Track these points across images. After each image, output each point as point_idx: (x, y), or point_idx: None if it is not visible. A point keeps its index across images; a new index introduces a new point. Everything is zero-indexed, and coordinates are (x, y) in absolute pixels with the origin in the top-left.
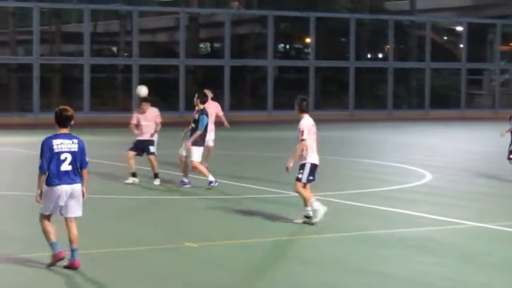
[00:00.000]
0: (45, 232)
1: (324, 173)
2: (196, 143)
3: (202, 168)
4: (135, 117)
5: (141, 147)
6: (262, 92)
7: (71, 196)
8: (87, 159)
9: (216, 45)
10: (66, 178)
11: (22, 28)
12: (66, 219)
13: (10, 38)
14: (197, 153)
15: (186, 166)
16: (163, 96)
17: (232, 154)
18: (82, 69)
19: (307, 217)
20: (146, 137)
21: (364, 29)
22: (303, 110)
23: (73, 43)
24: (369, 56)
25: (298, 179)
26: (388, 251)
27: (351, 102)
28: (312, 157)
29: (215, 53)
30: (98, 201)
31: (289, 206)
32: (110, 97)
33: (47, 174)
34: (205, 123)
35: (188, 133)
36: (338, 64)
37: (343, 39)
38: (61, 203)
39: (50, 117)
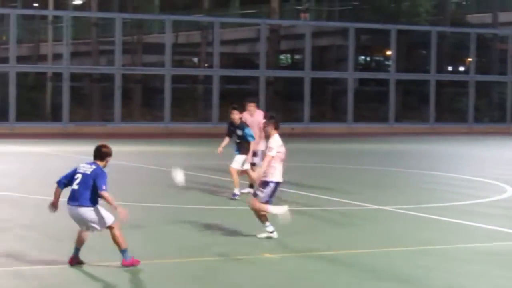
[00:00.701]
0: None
1: (405, 187)
2: (246, 152)
3: (236, 177)
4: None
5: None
6: (342, 105)
7: None
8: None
9: (296, 56)
10: None
11: (105, 38)
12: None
13: (93, 49)
14: (239, 160)
15: (251, 178)
16: (243, 108)
17: (312, 166)
18: (163, 80)
19: (270, 232)
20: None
21: (445, 41)
22: (276, 128)
23: (154, 54)
24: (450, 69)
25: (256, 196)
26: (469, 266)
27: (432, 115)
28: (277, 176)
29: (296, 65)
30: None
31: (370, 220)
32: (191, 108)
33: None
34: (252, 132)
35: (235, 147)
36: (419, 76)
37: (424, 52)
38: None
39: (131, 127)
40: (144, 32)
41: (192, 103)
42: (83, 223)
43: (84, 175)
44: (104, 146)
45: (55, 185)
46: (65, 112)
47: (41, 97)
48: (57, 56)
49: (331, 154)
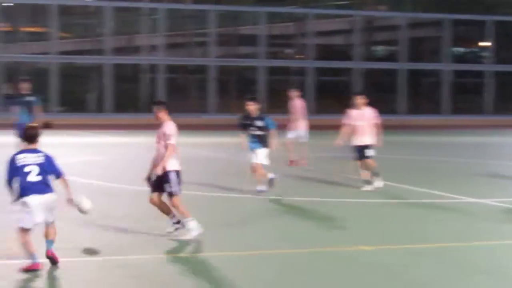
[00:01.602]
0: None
1: (504, 180)
2: (268, 145)
3: (261, 172)
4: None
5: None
6: (438, 97)
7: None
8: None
9: (391, 48)
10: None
11: (200, 30)
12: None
13: (188, 40)
14: (264, 155)
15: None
16: (338, 99)
17: (407, 158)
18: (257, 71)
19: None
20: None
21: None
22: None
23: (248, 45)
24: None
25: (173, 194)
26: None
27: None
28: (175, 164)
29: (390, 57)
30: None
31: (466, 213)
32: (285, 100)
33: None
34: (273, 123)
35: (253, 140)
36: None
37: None
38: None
39: (226, 118)
40: (239, 24)
41: (285, 95)
42: (50, 212)
43: (39, 165)
44: (34, 127)
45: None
46: None
47: (137, 88)
48: (153, 48)
49: (428, 147)
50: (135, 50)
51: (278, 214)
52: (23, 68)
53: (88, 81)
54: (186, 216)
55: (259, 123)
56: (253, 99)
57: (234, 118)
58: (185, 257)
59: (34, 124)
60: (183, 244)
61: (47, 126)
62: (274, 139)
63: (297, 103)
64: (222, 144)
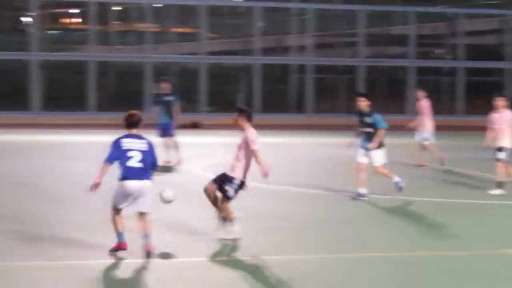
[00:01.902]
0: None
1: None
2: (381, 145)
3: (385, 170)
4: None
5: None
6: None
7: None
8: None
9: None
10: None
11: (349, 30)
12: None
13: (337, 41)
14: (380, 156)
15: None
16: (489, 100)
17: None
18: (407, 72)
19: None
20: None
21: None
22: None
23: (398, 46)
24: None
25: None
26: None
27: None
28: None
29: None
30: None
31: None
32: (437, 100)
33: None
34: (383, 120)
35: (362, 138)
36: None
37: None
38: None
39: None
40: (388, 24)
41: (437, 96)
42: (144, 199)
43: (142, 152)
44: (134, 114)
45: (104, 164)
46: (309, 103)
47: (285, 89)
48: (301, 48)
49: None
50: (284, 50)
51: (392, 214)
52: (172, 69)
53: (236, 81)
54: (232, 219)
55: (368, 119)
56: (364, 94)
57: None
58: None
59: (135, 111)
60: (330, 243)
61: (196, 126)
62: (379, 138)
63: (424, 104)
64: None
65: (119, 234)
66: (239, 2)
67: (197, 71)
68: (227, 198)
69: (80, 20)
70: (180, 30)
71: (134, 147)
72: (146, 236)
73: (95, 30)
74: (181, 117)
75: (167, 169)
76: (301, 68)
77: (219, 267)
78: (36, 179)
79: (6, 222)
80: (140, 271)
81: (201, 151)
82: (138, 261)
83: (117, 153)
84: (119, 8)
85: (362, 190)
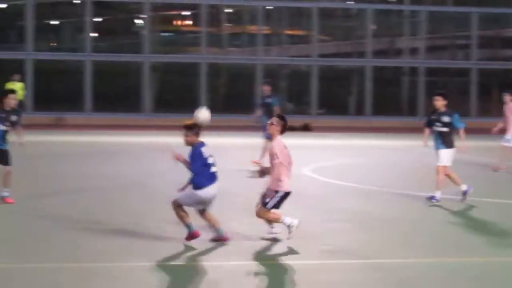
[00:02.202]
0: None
1: None
2: (452, 145)
3: (452, 174)
4: None
5: None
6: None
7: None
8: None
9: None
10: None
11: (461, 32)
12: None
13: (449, 43)
14: (446, 156)
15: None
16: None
17: None
18: None
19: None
20: None
21: None
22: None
23: (511, 48)
24: None
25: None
26: None
27: None
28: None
29: None
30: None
31: None
32: None
33: None
34: (459, 120)
35: (436, 138)
36: None
37: None
38: None
39: (486, 122)
40: (501, 26)
41: None
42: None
43: (213, 156)
44: (193, 123)
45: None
46: (421, 106)
47: (397, 91)
48: (413, 51)
49: None
50: (396, 52)
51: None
52: (283, 71)
53: (347, 83)
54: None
55: (445, 118)
56: (441, 93)
57: (494, 121)
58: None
59: (192, 121)
60: (434, 247)
61: (306, 128)
62: (463, 140)
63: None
64: (482, 148)
65: (189, 225)
66: (351, 4)
67: (308, 74)
68: (266, 208)
69: (191, 22)
70: (291, 32)
71: (210, 153)
72: (218, 229)
73: (206, 32)
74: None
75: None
76: (413, 71)
77: (327, 270)
78: (146, 180)
79: (118, 221)
80: (257, 273)
81: (311, 154)
82: (255, 263)
83: (203, 161)
84: (231, 10)
85: (437, 194)
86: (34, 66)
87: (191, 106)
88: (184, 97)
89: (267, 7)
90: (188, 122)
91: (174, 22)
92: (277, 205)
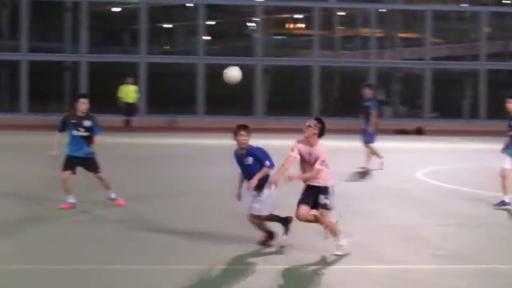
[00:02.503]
0: None
1: None
2: None
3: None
4: None
5: None
6: None
7: None
8: None
9: None
10: None
11: None
12: None
13: None
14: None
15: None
16: None
17: None
18: None
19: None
20: None
21: None
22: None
23: None
24: None
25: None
26: None
27: None
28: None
29: None
30: None
31: None
32: None
33: None
34: None
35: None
36: None
37: None
38: None
39: None
40: None
41: None
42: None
43: None
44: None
45: None
46: None
47: None
48: None
49: None
50: (511, 55)
51: None
52: (396, 74)
53: (461, 87)
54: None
55: None
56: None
57: None
58: None
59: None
60: None
61: (420, 132)
62: None
63: None
64: None
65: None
66: (465, 7)
67: (421, 77)
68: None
69: (304, 25)
70: (404, 35)
71: None
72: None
73: (319, 35)
74: (385, 122)
75: (367, 173)
76: None
77: (444, 275)
78: None
79: (223, 226)
80: (370, 277)
81: (424, 157)
82: (367, 266)
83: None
84: (344, 13)
85: (507, 199)
86: (148, 69)
87: (303, 110)
88: (296, 100)
89: (380, 10)
90: (245, 123)
91: (287, 25)
92: (332, 202)
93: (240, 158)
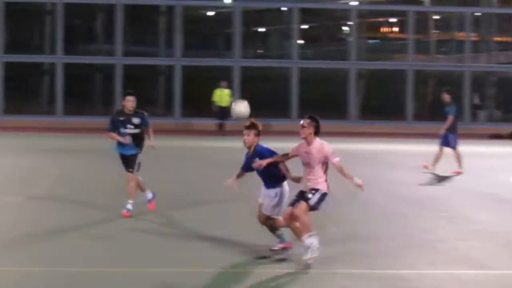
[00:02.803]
0: None
1: None
2: None
3: None
4: None
5: None
6: None
7: None
8: None
9: None
10: None
11: None
12: None
13: None
14: None
15: None
16: None
17: None
18: None
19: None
20: None
21: None
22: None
23: None
24: None
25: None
26: None
27: None
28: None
29: None
30: None
31: None
32: None
33: None
34: None
35: None
36: None
37: None
38: None
39: None
40: None
41: None
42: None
43: None
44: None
45: None
46: None
47: None
48: None
49: None
50: None
51: None
52: (491, 78)
53: None
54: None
55: None
56: None
57: None
58: None
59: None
60: None
61: None
62: None
63: None
64: None
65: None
66: None
67: None
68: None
69: (398, 29)
70: (500, 39)
71: None
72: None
73: (413, 39)
74: (480, 127)
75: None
76: None
77: None
78: (349, 187)
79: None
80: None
81: None
82: (461, 272)
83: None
84: (438, 16)
85: None
86: (241, 73)
87: (397, 114)
88: (390, 105)
89: (475, 14)
90: (250, 122)
91: (380, 29)
92: (318, 202)
93: (248, 158)
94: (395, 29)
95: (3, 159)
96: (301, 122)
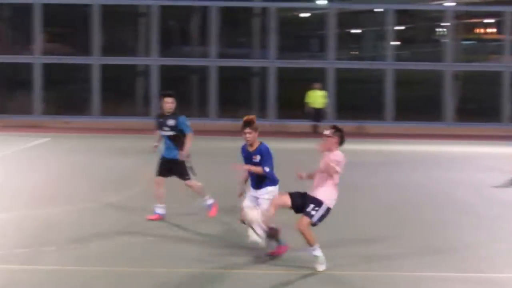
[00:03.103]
0: None
1: None
2: None
3: None
4: None
5: None
6: None
7: None
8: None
9: None
10: None
11: None
12: None
13: None
14: None
15: None
16: None
17: None
18: None
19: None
20: None
21: None
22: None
23: None
24: None
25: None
26: None
27: None
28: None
29: None
30: None
31: None
32: None
33: None
34: None
35: None
36: None
37: None
38: None
39: None
40: None
41: None
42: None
43: None
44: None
45: None
46: None
47: None
48: None
49: None
50: None
51: None
52: None
53: None
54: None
55: None
56: None
57: None
58: None
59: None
60: None
61: None
62: None
63: None
64: None
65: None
66: None
67: None
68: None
69: (495, 30)
70: None
71: None
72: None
73: (510, 40)
74: None
75: None
76: None
77: None
78: (446, 189)
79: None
80: None
81: None
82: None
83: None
84: None
85: None
86: (336, 75)
87: (493, 116)
88: (486, 107)
89: None
90: (251, 118)
91: (477, 30)
92: (321, 219)
93: (249, 154)
94: (492, 30)
95: (104, 160)
96: (325, 131)
